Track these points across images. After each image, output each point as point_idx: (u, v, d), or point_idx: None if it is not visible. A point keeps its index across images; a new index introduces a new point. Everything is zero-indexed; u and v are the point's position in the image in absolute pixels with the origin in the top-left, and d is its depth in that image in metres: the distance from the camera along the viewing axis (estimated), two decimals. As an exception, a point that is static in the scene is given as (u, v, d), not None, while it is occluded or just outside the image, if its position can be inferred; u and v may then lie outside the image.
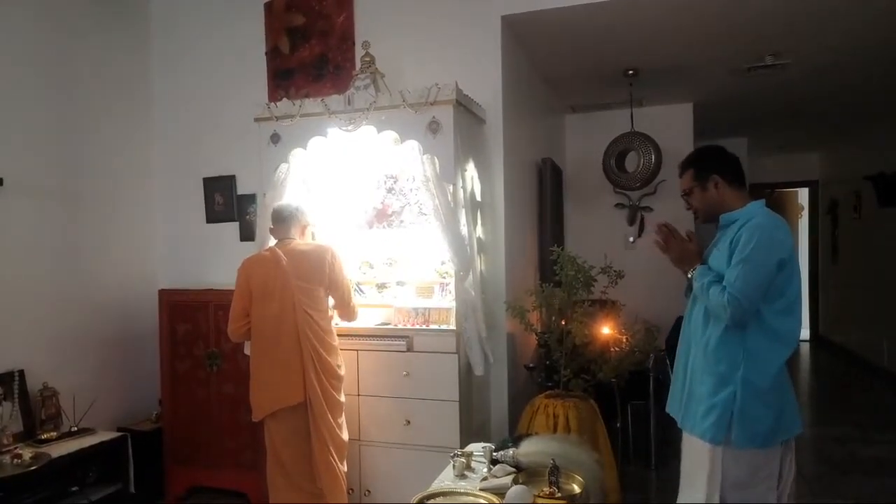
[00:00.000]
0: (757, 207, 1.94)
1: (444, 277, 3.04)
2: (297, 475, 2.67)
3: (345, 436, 2.75)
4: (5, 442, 2.82)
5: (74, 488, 2.92)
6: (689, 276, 1.98)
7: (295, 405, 2.64)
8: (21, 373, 3.00)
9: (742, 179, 2.00)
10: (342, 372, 2.78)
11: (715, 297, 1.83)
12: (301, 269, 2.69)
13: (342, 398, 2.77)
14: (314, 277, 2.71)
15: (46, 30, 3.30)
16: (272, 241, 2.85)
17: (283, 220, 2.79)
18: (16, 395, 2.95)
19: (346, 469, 2.76)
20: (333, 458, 2.67)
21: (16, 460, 2.66)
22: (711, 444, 1.83)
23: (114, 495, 3.03)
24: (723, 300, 1.79)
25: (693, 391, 1.93)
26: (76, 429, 3.08)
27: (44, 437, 2.96)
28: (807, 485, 3.60)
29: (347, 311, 2.84)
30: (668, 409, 2.10)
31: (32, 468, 2.65)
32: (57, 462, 2.77)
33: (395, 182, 3.27)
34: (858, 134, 6.65)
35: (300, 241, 2.80)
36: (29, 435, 2.98)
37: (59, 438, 2.98)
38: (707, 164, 2.01)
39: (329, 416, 2.66)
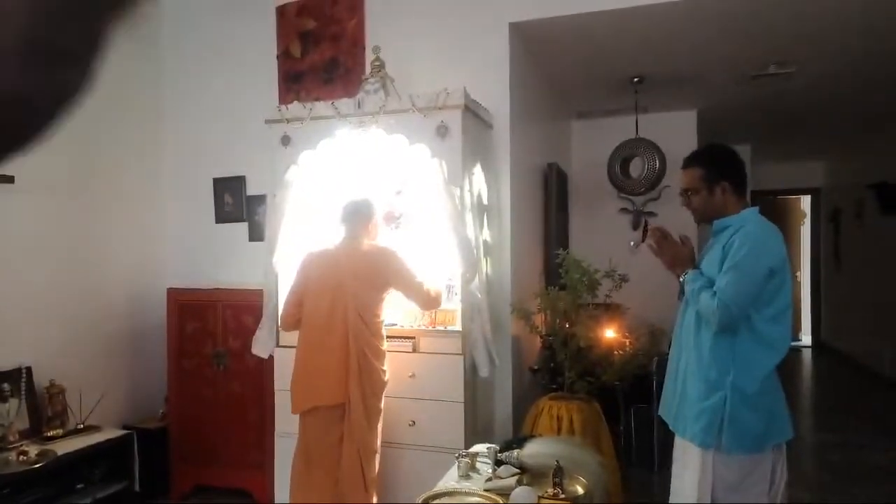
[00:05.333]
0: (751, 214, 1.95)
1: (451, 279, 3.06)
2: (322, 474, 2.63)
3: (377, 443, 2.69)
4: (11, 439, 2.84)
5: (80, 486, 2.93)
6: (682, 279, 1.99)
7: (333, 405, 2.59)
8: (28, 369, 3.02)
9: (745, 186, 2.01)
10: (386, 378, 2.71)
11: (705, 302, 1.85)
12: (359, 271, 2.64)
13: (381, 404, 2.70)
14: (370, 281, 2.65)
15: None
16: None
17: (345, 218, 2.74)
18: (23, 392, 2.97)
19: (374, 474, 2.68)
20: (361, 464, 2.61)
21: (22, 457, 2.67)
22: (701, 447, 1.86)
23: (119, 493, 3.04)
24: (712, 305, 1.81)
25: (685, 394, 1.95)
26: (82, 426, 3.10)
27: (50, 434, 2.96)
28: (809, 492, 3.61)
29: (430, 302, 2.70)
30: (660, 412, 2.12)
31: (38, 465, 2.66)
32: (63, 459, 2.79)
33: (402, 185, 3.29)
34: (861, 142, 6.68)
35: (365, 242, 2.74)
36: (35, 432, 2.99)
37: (65, 436, 2.99)
38: (719, 167, 1.99)
39: (364, 421, 2.60)
